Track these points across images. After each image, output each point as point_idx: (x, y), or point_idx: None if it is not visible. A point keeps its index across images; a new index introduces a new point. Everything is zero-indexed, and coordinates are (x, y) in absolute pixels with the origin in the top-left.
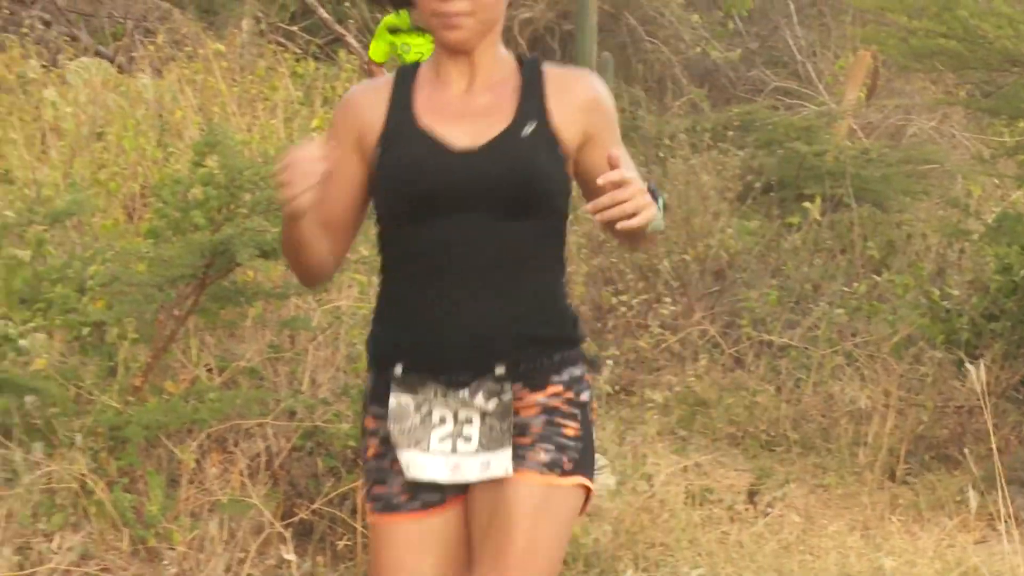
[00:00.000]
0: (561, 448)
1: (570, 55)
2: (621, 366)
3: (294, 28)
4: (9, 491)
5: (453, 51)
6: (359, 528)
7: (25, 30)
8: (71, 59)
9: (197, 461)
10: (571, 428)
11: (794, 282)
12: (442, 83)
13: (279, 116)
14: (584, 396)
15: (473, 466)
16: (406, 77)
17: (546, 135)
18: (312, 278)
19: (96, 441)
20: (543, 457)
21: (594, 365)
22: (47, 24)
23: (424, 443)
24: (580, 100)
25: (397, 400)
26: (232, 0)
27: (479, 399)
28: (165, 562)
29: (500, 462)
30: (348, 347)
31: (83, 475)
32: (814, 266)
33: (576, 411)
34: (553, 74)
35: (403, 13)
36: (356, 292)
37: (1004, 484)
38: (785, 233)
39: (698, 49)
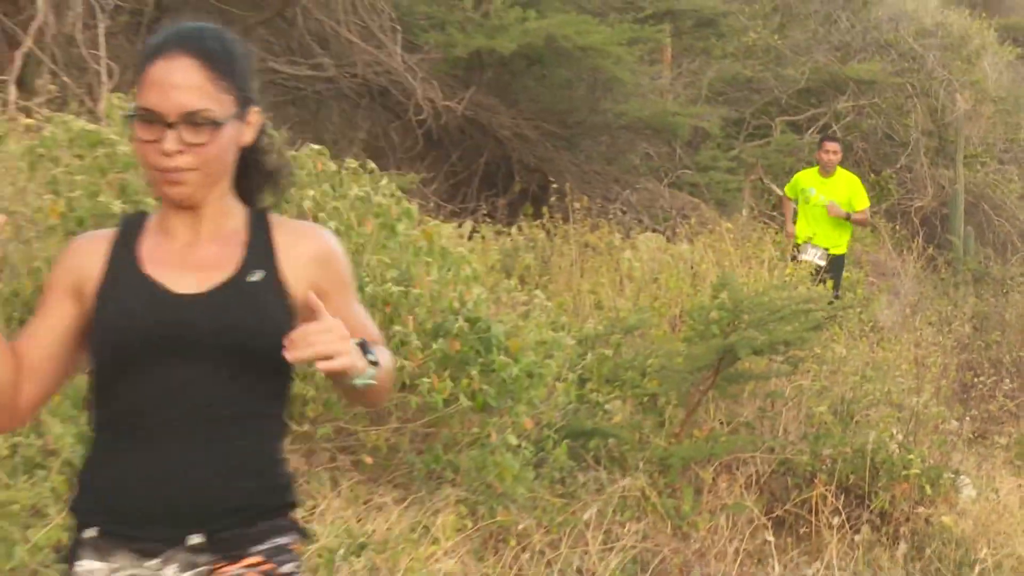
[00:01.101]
0: None
1: (946, 229)
2: (978, 421)
3: (774, 213)
4: (599, 497)
5: (177, 206)
6: (813, 521)
7: (611, 216)
8: (639, 234)
9: (713, 479)
10: None
11: None
12: (167, 235)
13: (765, 267)
14: (286, 568)
15: None
16: (132, 226)
17: (274, 285)
18: None
19: (651, 467)
20: None
21: (304, 534)
22: (624, 213)
23: None
24: (311, 253)
25: (88, 568)
26: (736, 196)
27: (171, 570)
28: (693, 541)
29: None
30: (807, 409)
31: (643, 488)
32: None
33: None
34: (282, 225)
35: (813, 170)
36: (812, 374)
37: None
38: None
39: None
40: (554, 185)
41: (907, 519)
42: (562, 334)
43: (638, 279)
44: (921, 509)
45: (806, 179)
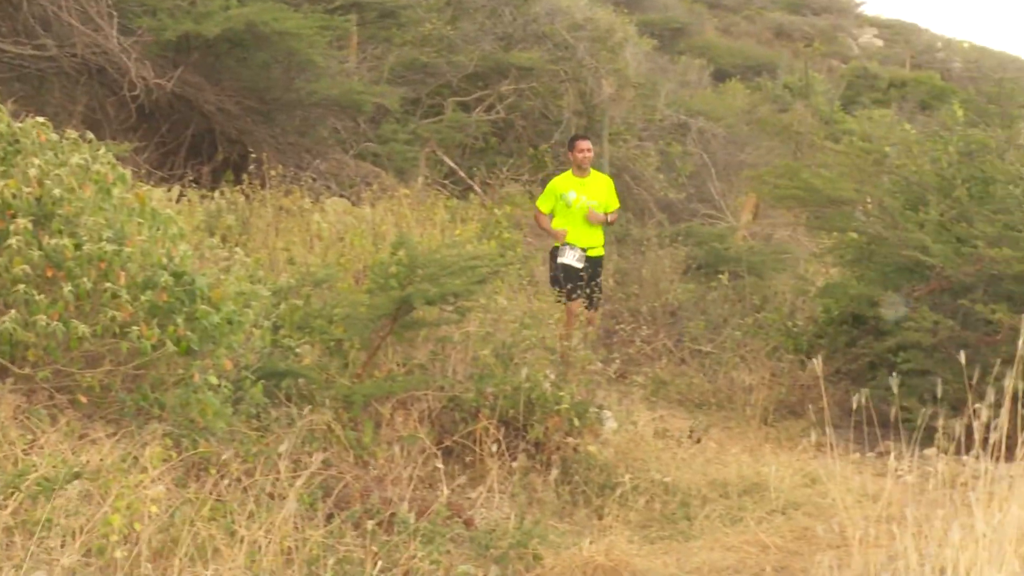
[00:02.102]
0: None
1: None
2: (619, 363)
3: (446, 181)
4: (290, 430)
5: None
6: (478, 451)
7: (303, 183)
8: (327, 199)
9: (390, 414)
10: None
11: (713, 317)
12: None
13: (437, 229)
14: None
15: None
16: None
17: None
18: None
19: (336, 403)
20: None
21: None
22: (314, 180)
23: None
24: None
25: None
26: (413, 166)
27: None
28: (372, 468)
29: None
30: (473, 352)
31: (329, 422)
32: (724, 308)
33: None
34: None
35: (567, 174)
36: (478, 322)
37: (829, 427)
38: (709, 291)
39: (663, 193)
40: (253, 155)
41: (558, 448)
42: (259, 286)
43: (326, 238)
44: (570, 439)
45: (563, 184)
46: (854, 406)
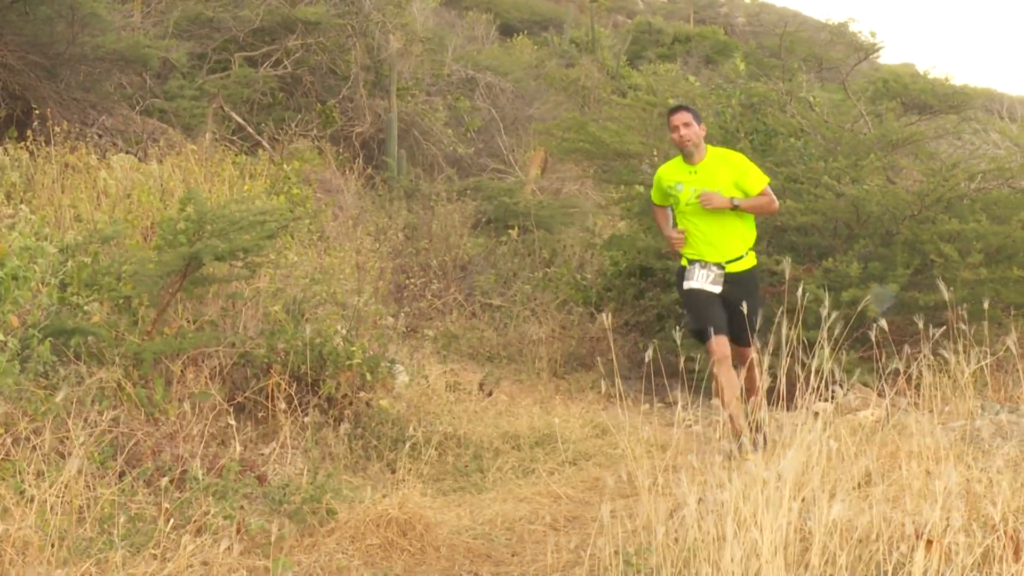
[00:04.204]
0: None
1: (383, 152)
2: (410, 317)
3: (234, 137)
4: (79, 388)
5: None
6: (270, 407)
7: (89, 139)
8: (113, 155)
9: (181, 371)
10: None
11: (503, 271)
12: None
13: (226, 185)
14: None
15: None
16: None
17: None
18: None
19: (126, 361)
20: None
21: None
22: (100, 136)
23: None
24: None
25: None
26: (201, 122)
27: None
28: (163, 425)
29: None
30: (264, 308)
31: (119, 379)
32: (514, 262)
33: None
34: None
35: (676, 160)
36: (268, 277)
37: (618, 379)
38: (499, 245)
39: (451, 148)
40: (37, 111)
41: (351, 403)
42: (45, 243)
43: (113, 195)
44: (362, 394)
45: (671, 173)
46: (646, 359)
